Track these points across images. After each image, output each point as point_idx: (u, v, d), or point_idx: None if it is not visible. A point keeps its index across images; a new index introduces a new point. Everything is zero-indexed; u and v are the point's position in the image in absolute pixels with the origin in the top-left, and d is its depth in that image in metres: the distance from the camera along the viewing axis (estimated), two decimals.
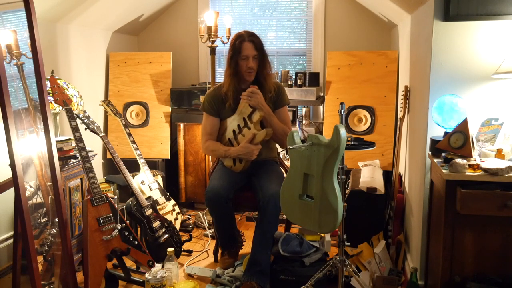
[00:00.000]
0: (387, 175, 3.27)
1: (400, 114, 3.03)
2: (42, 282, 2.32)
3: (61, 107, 2.60)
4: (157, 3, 4.08)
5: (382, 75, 3.60)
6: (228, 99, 2.63)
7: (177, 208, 3.22)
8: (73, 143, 2.48)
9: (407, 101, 2.93)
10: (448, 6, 2.08)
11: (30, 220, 1.85)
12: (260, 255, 2.46)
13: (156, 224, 2.74)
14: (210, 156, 3.67)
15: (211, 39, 3.34)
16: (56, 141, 2.34)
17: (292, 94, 3.62)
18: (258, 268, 2.43)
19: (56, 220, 2.19)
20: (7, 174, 2.04)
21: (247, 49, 2.53)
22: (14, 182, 1.82)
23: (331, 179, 1.91)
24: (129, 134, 3.09)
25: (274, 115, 2.61)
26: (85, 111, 2.77)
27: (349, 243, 2.21)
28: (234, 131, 2.67)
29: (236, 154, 2.59)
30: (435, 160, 2.07)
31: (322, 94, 3.97)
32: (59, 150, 2.40)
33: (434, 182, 2.18)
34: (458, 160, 1.88)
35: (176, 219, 3.16)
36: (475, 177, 1.86)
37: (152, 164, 3.71)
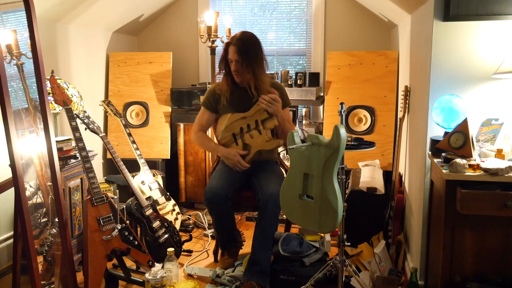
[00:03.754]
0: (387, 175, 3.27)
1: (400, 114, 3.03)
2: (42, 282, 2.32)
3: (61, 107, 2.60)
4: (157, 3, 4.08)
5: (382, 75, 3.60)
6: (224, 94, 2.66)
7: (177, 208, 3.22)
8: (73, 143, 2.48)
9: (407, 101, 2.93)
10: (448, 6, 2.08)
11: (30, 220, 1.85)
12: (260, 255, 2.46)
13: (156, 224, 2.74)
14: (210, 156, 3.67)
15: (211, 39, 3.34)
16: (56, 141, 2.34)
17: (292, 94, 3.62)
18: (258, 268, 2.43)
19: (56, 220, 2.19)
20: (7, 174, 2.04)
21: (230, 52, 2.57)
22: (14, 182, 1.82)
23: (331, 179, 1.91)
24: (129, 134, 3.09)
25: (286, 119, 2.65)
26: (85, 111, 2.77)
27: (349, 243, 2.21)
28: (242, 128, 2.64)
29: (222, 154, 2.67)
30: (435, 160, 2.07)
31: (322, 94, 3.97)
32: (59, 150, 2.40)
33: (434, 182, 2.18)
34: (458, 160, 1.88)
35: (176, 219, 3.16)
36: (475, 177, 1.86)
37: (152, 164, 3.71)
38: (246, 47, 2.55)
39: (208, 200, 2.54)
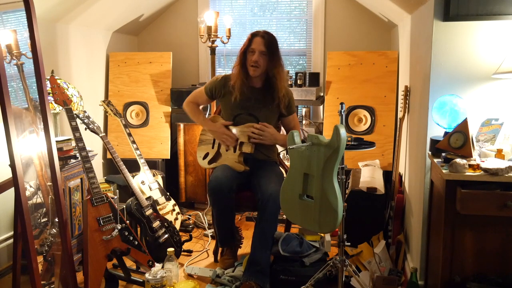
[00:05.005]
0: (387, 175, 3.27)
1: (400, 114, 3.03)
2: (42, 282, 2.32)
3: (61, 107, 2.60)
4: (157, 3, 4.08)
5: (382, 75, 3.60)
6: (235, 91, 2.64)
7: (177, 208, 3.22)
8: (73, 143, 2.48)
9: (407, 101, 2.93)
10: (448, 6, 2.08)
11: (30, 220, 1.85)
12: (260, 255, 2.46)
13: (156, 224, 2.74)
14: None
15: (211, 39, 3.34)
16: (56, 141, 2.34)
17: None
18: (257, 267, 2.42)
19: (56, 220, 2.19)
20: (7, 174, 2.04)
21: (256, 43, 2.56)
22: (14, 182, 1.82)
23: (331, 179, 1.91)
24: (129, 134, 3.09)
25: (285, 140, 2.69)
26: (85, 111, 2.77)
27: (349, 243, 2.21)
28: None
29: (209, 129, 2.78)
30: (435, 160, 2.07)
31: (322, 94, 3.97)
32: (59, 150, 2.40)
33: (434, 182, 2.18)
34: (458, 160, 1.88)
35: (176, 219, 3.16)
36: (475, 177, 1.86)
37: (152, 164, 3.71)
38: (272, 42, 2.57)
39: (212, 190, 2.53)
